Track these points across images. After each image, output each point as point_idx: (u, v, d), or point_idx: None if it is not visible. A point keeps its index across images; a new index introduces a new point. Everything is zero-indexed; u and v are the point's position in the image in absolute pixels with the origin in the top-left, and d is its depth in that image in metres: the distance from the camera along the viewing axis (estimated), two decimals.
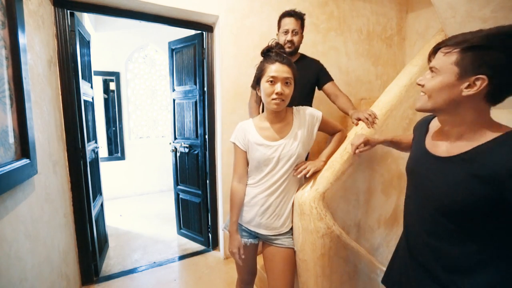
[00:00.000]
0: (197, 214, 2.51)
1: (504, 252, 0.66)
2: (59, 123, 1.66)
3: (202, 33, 2.20)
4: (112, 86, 3.88)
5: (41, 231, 1.26)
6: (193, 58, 2.32)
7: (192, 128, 2.45)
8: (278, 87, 1.07)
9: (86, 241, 1.87)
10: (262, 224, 1.18)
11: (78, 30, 1.83)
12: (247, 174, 1.24)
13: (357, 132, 1.27)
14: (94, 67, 2.68)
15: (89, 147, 1.99)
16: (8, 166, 0.93)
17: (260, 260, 1.36)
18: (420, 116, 0.93)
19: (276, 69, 1.07)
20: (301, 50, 1.73)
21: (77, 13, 1.84)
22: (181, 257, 2.33)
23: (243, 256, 1.19)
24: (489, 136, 0.64)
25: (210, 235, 2.43)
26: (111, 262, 2.26)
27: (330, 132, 1.31)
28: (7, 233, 0.96)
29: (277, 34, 1.70)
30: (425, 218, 0.76)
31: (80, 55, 1.87)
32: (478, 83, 0.61)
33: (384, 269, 0.99)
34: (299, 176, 1.17)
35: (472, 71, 0.62)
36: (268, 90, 1.09)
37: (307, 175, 1.17)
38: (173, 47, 2.51)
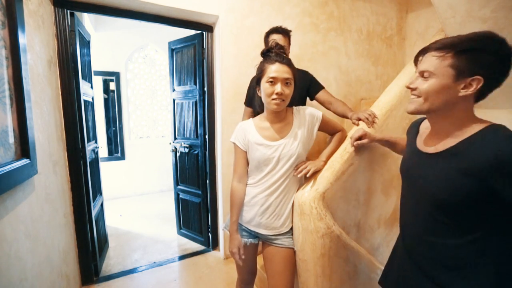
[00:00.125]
0: (197, 214, 2.51)
1: (500, 244, 0.67)
2: (59, 123, 1.66)
3: (202, 33, 2.20)
4: (112, 86, 3.88)
5: (41, 231, 1.26)
6: (193, 58, 2.32)
7: (192, 128, 2.45)
8: (278, 87, 1.07)
9: (86, 241, 1.87)
10: (262, 224, 1.18)
11: (78, 30, 1.83)
12: (247, 174, 1.24)
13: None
14: (94, 67, 2.68)
15: (89, 147, 1.99)
16: (8, 166, 0.93)
17: (260, 260, 1.36)
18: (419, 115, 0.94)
19: (276, 69, 1.07)
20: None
21: (77, 13, 1.84)
22: (181, 257, 2.33)
23: (243, 256, 1.19)
24: (473, 130, 0.68)
25: (210, 235, 2.43)
26: (111, 262, 2.26)
27: (330, 132, 1.32)
28: (7, 233, 0.96)
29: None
30: (420, 215, 0.78)
31: (80, 55, 1.87)
32: (474, 83, 0.65)
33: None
34: (299, 175, 1.17)
35: (468, 72, 0.65)
36: (268, 91, 1.09)
37: (308, 175, 1.17)
38: (173, 47, 2.51)
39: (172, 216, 2.82)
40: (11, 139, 0.99)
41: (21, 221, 1.07)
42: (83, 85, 1.93)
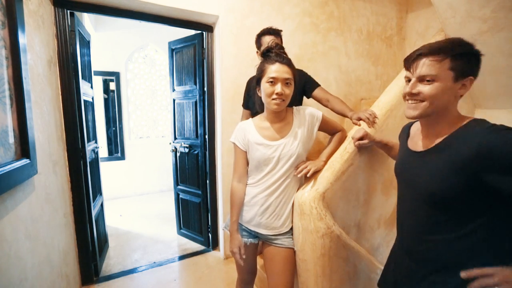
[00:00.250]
0: (197, 214, 2.51)
1: (496, 238, 0.69)
2: (59, 123, 1.66)
3: (202, 33, 2.20)
4: (112, 86, 3.88)
5: (41, 231, 1.26)
6: (193, 58, 2.32)
7: (192, 128, 2.45)
8: (278, 87, 1.07)
9: (86, 241, 1.87)
10: (262, 223, 1.18)
11: (78, 30, 1.83)
12: (247, 174, 1.24)
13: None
14: (94, 67, 2.68)
15: (89, 147, 1.99)
16: (8, 166, 0.93)
17: (260, 260, 1.36)
18: None
19: (276, 69, 1.07)
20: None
21: (77, 13, 1.84)
22: (181, 257, 2.33)
23: (244, 256, 1.19)
24: (458, 126, 0.73)
25: (210, 235, 2.43)
26: (111, 262, 2.26)
27: (330, 132, 1.32)
28: (7, 233, 0.96)
29: (257, 52, 1.68)
30: (417, 215, 0.79)
31: (80, 55, 1.87)
32: (468, 83, 0.72)
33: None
34: (299, 175, 1.17)
35: (464, 73, 0.71)
36: (268, 91, 1.09)
37: (308, 175, 1.17)
38: (173, 47, 2.51)
39: (172, 216, 2.82)
40: (11, 139, 0.99)
41: (21, 221, 1.07)
42: (83, 85, 1.93)
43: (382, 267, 1.01)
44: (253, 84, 1.21)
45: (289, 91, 1.10)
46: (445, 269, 0.74)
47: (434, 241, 0.75)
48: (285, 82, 1.08)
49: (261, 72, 1.12)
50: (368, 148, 1.25)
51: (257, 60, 1.67)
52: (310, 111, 1.21)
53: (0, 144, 0.91)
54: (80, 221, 1.83)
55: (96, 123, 2.28)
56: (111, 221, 3.02)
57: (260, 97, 1.17)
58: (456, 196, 0.69)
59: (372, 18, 2.57)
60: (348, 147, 1.23)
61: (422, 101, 0.74)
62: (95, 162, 2.23)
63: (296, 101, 1.70)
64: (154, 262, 2.25)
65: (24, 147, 1.06)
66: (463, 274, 0.66)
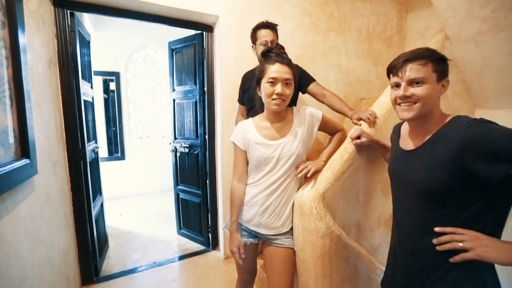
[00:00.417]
0: (197, 214, 2.51)
1: (491, 229, 0.70)
2: (59, 123, 1.66)
3: (202, 33, 2.20)
4: (112, 86, 3.88)
5: (41, 231, 1.26)
6: (193, 58, 2.32)
7: (192, 128, 2.45)
8: (278, 87, 1.07)
9: (86, 241, 1.87)
10: (262, 223, 1.18)
11: (78, 30, 1.83)
12: (247, 174, 1.24)
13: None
14: (94, 67, 2.68)
15: (89, 147, 1.99)
16: (8, 166, 0.93)
17: (260, 260, 1.36)
18: None
19: (276, 69, 1.07)
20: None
21: (77, 13, 1.84)
22: (181, 257, 2.33)
23: (243, 256, 1.19)
24: (442, 123, 0.79)
25: (210, 235, 2.43)
26: (111, 262, 2.26)
27: (330, 132, 1.32)
28: (7, 233, 0.96)
29: (252, 47, 1.67)
30: (415, 210, 0.81)
31: (80, 55, 1.87)
32: (446, 84, 0.80)
33: (384, 269, 0.99)
34: (300, 175, 1.17)
35: (442, 76, 0.79)
36: (269, 91, 1.09)
37: (308, 175, 1.16)
38: (173, 47, 2.51)
39: (172, 216, 2.82)
40: (11, 139, 0.99)
41: (21, 221, 1.07)
42: (83, 85, 1.93)
43: (382, 267, 1.02)
44: (253, 84, 1.21)
45: (289, 92, 1.10)
46: (441, 266, 0.75)
47: (430, 237, 0.76)
48: (285, 83, 1.08)
49: (261, 72, 1.12)
50: (368, 148, 1.25)
51: (257, 60, 1.67)
52: (310, 111, 1.21)
53: (0, 144, 0.91)
54: (80, 221, 1.83)
55: (96, 123, 2.28)
56: (111, 221, 3.02)
57: (260, 97, 1.17)
58: (449, 189, 0.72)
59: (372, 18, 2.57)
60: (348, 147, 1.23)
61: (415, 102, 0.79)
62: (95, 162, 2.23)
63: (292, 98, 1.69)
64: (154, 262, 2.25)
65: (24, 147, 1.07)
66: (437, 229, 0.74)
